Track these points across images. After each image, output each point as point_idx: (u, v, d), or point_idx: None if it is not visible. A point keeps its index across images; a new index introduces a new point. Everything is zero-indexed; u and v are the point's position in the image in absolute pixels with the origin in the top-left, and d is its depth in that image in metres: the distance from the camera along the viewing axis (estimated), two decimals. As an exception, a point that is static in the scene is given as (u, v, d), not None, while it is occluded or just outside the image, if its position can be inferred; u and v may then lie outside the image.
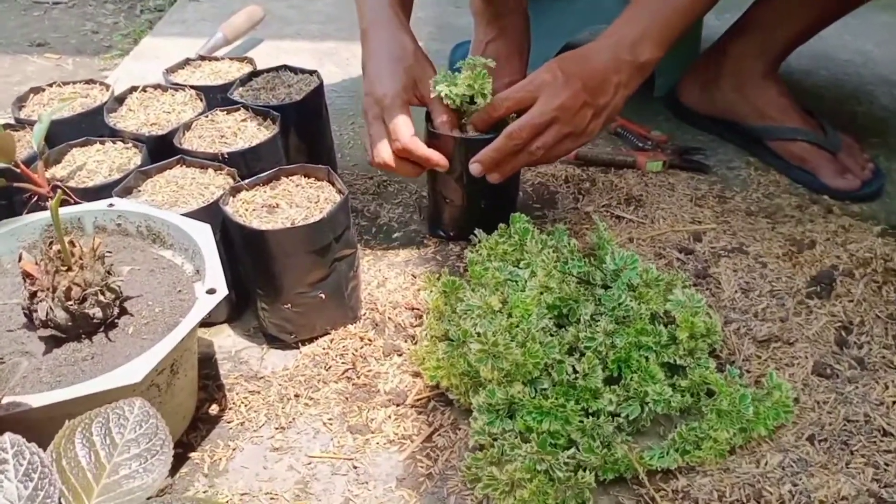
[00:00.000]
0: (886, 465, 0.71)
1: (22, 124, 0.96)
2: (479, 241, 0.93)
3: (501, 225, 0.94)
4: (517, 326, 0.76)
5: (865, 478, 0.70)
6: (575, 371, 0.75)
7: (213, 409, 0.78)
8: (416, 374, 0.81)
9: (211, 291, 0.67)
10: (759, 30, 1.16)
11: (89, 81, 1.06)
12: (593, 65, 0.89)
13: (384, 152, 0.90)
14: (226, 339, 0.87)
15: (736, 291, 0.92)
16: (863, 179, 1.10)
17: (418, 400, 0.79)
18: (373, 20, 0.96)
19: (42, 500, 0.46)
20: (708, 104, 1.24)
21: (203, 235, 0.73)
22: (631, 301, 0.80)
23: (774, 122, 1.16)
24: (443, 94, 0.89)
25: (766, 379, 0.76)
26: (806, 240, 1.00)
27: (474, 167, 0.90)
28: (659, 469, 0.70)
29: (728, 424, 0.71)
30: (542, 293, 0.80)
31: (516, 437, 0.70)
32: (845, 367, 0.81)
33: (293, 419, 0.77)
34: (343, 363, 0.83)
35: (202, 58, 1.13)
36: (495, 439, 0.70)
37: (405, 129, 0.89)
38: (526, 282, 0.83)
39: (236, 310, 0.89)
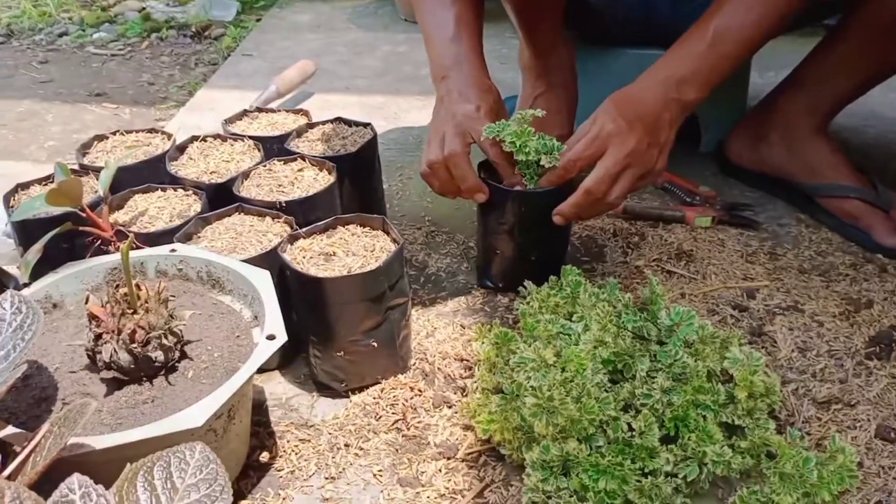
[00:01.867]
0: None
1: (86, 170, 0.99)
2: (530, 293, 0.92)
3: (552, 277, 0.93)
4: (571, 381, 0.75)
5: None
6: (631, 429, 0.73)
7: (264, 457, 0.77)
8: (467, 427, 0.80)
9: (270, 337, 0.68)
10: (809, 86, 1.16)
11: (151, 130, 1.09)
12: (648, 105, 0.91)
13: (454, 145, 0.91)
14: (276, 386, 0.88)
15: (793, 351, 0.90)
16: None
17: (469, 454, 0.78)
18: (454, 64, 0.98)
19: (108, 544, 0.46)
20: (756, 160, 1.24)
21: (263, 281, 0.74)
22: (687, 358, 0.79)
23: (826, 180, 1.15)
24: (491, 135, 0.90)
25: (828, 442, 0.74)
26: (863, 299, 0.98)
27: (556, 219, 0.93)
28: (720, 533, 0.68)
29: (791, 489, 0.69)
30: (596, 347, 0.79)
31: (571, 496, 0.68)
32: (911, 431, 0.79)
33: (343, 469, 0.76)
34: (393, 413, 0.82)
35: (259, 109, 1.16)
36: (549, 497, 0.69)
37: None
38: (579, 335, 0.82)
39: (287, 357, 0.90)
